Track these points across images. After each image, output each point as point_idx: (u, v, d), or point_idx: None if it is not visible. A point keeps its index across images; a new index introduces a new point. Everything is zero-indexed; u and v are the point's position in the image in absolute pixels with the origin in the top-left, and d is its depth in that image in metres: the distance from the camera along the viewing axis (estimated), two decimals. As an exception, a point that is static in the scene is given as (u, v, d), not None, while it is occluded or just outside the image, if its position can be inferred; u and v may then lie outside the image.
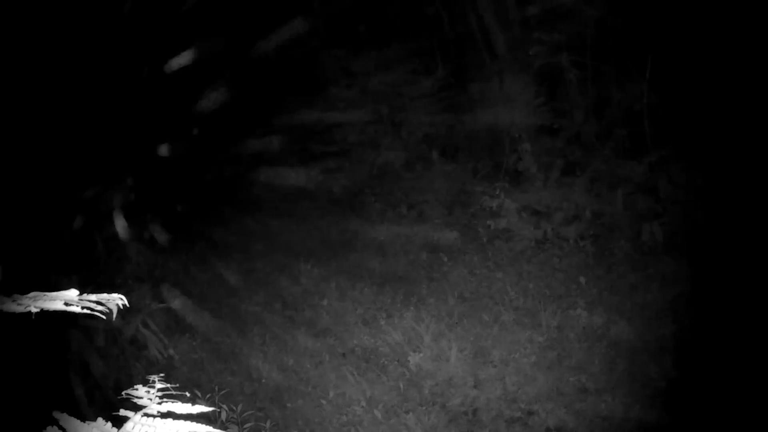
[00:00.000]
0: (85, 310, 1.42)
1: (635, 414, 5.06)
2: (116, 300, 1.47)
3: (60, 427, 1.38)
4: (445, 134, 10.17)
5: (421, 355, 6.01)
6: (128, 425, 1.45)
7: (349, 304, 7.27)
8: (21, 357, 4.94)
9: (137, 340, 6.41)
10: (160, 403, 1.53)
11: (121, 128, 8.14)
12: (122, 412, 1.49)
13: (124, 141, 8.31)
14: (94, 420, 1.43)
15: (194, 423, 1.44)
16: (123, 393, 1.56)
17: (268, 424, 5.12)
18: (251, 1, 10.49)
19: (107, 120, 7.97)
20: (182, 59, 8.88)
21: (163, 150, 9.44)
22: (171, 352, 6.47)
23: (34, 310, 1.38)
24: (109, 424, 1.43)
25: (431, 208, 9.26)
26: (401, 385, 5.73)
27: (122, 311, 1.51)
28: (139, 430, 1.44)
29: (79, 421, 1.41)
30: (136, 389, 1.57)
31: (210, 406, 1.89)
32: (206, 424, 1.44)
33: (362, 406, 5.51)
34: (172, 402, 1.53)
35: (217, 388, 5.28)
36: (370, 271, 8.02)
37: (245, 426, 5.00)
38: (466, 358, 5.95)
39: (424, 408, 5.41)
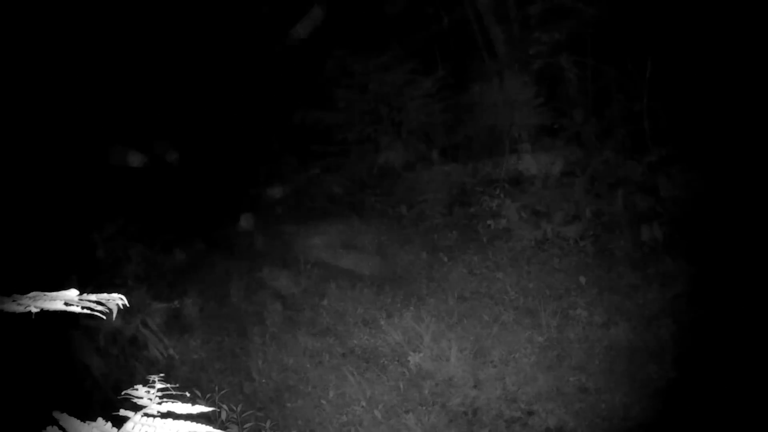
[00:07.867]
0: (85, 310, 1.42)
1: (635, 414, 5.05)
2: (116, 300, 1.47)
3: (60, 427, 1.38)
4: (445, 134, 10.17)
5: (421, 355, 6.01)
6: (128, 425, 1.45)
7: (349, 304, 7.27)
8: (21, 357, 4.94)
9: (137, 340, 6.41)
10: (160, 403, 1.53)
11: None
12: (122, 412, 1.49)
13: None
14: (94, 420, 1.43)
15: (194, 423, 1.44)
16: (123, 393, 1.56)
17: (268, 424, 5.11)
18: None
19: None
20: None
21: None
22: (171, 352, 6.47)
23: (34, 310, 1.38)
24: (109, 424, 1.43)
25: (431, 208, 9.25)
26: (401, 385, 5.73)
27: (122, 311, 1.51)
28: (139, 430, 1.44)
29: (79, 421, 1.41)
30: (136, 389, 1.57)
31: (210, 406, 1.89)
32: (206, 424, 1.44)
33: (362, 406, 5.50)
34: (172, 402, 1.53)
35: (217, 388, 5.27)
36: (370, 271, 8.02)
37: (245, 426, 5.00)
38: (466, 358, 5.94)
39: (424, 408, 5.40)
